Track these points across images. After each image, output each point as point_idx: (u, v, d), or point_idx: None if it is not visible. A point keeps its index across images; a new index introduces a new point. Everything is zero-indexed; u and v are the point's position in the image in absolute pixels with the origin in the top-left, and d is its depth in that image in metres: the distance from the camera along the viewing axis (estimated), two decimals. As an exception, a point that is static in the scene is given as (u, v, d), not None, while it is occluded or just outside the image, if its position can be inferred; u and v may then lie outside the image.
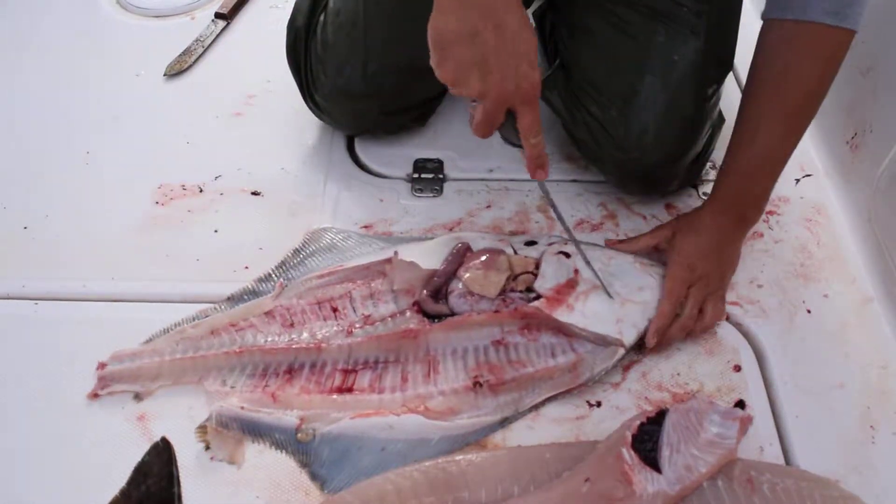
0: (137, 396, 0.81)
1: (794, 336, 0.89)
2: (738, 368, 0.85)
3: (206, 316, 0.86)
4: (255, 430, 0.78)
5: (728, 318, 0.90)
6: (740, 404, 0.81)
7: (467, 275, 0.87)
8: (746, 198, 0.90)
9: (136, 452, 0.75)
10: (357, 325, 0.85)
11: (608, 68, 0.95)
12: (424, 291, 0.86)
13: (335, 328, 0.85)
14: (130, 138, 1.11)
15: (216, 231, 0.98)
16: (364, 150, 1.09)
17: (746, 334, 0.89)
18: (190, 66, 1.21)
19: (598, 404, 0.82)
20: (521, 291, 0.86)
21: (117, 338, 0.85)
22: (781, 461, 0.78)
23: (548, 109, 1.04)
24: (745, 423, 0.76)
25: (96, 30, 1.31)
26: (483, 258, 0.88)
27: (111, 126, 1.13)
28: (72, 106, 1.16)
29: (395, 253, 0.89)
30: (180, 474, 0.75)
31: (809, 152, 1.09)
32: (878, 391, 0.84)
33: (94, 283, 0.92)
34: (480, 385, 0.80)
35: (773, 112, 0.86)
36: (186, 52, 1.24)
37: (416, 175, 1.05)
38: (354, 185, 1.04)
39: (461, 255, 0.89)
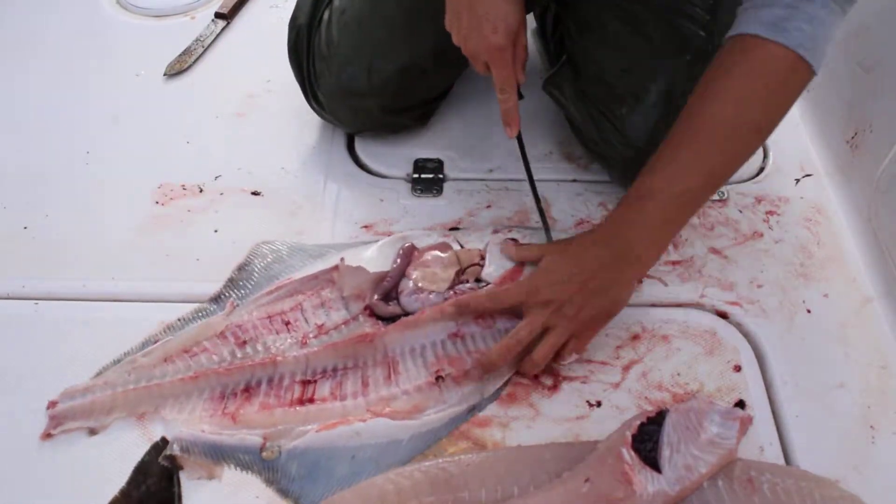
0: (92, 431, 0.78)
1: (794, 336, 0.89)
2: (738, 368, 0.85)
3: (156, 342, 0.84)
4: (218, 453, 0.76)
5: (728, 318, 0.90)
6: (740, 404, 0.81)
7: (416, 273, 0.87)
8: (637, 223, 0.77)
9: (136, 452, 0.76)
10: (311, 336, 0.84)
11: (619, 65, 0.94)
12: (375, 295, 0.86)
13: (289, 341, 0.83)
14: (130, 138, 1.11)
15: (216, 231, 0.98)
16: (364, 150, 1.09)
17: (746, 334, 0.89)
18: (190, 66, 1.21)
19: (598, 404, 0.82)
20: (469, 283, 0.87)
21: (117, 338, 0.85)
22: (781, 461, 0.78)
23: (554, 105, 1.05)
24: (745, 423, 0.76)
25: (96, 30, 1.31)
26: (430, 255, 0.89)
27: (111, 126, 1.13)
28: (72, 106, 1.16)
29: (342, 260, 0.88)
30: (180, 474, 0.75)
31: (809, 152, 1.09)
32: (878, 391, 0.84)
33: (94, 283, 0.92)
34: (442, 378, 0.80)
35: (682, 135, 0.76)
36: (186, 52, 1.24)
37: (416, 175, 1.05)
38: (354, 185, 1.04)
39: (408, 255, 0.89)
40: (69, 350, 0.85)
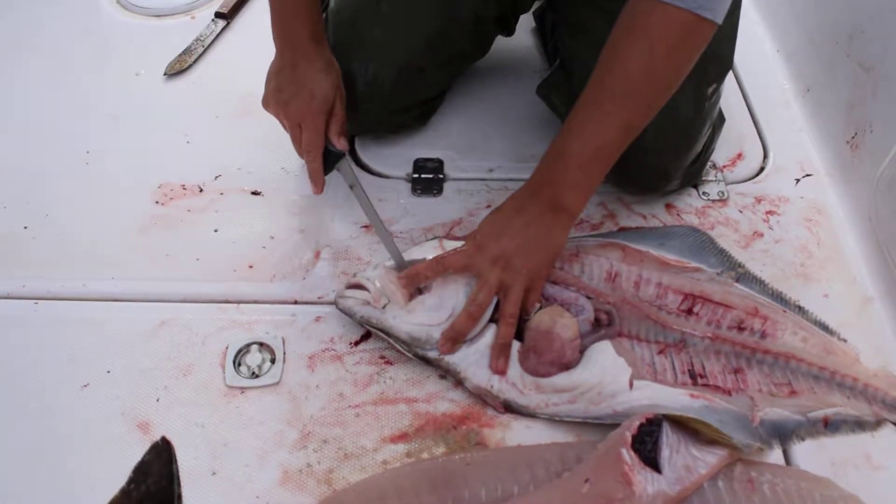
0: None
1: (795, 336, 0.89)
2: (738, 368, 0.85)
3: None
4: None
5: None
6: (740, 404, 0.81)
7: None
8: (560, 181, 0.82)
9: (136, 452, 0.75)
10: None
11: None
12: None
13: None
14: (130, 138, 1.11)
15: (216, 231, 0.98)
16: (364, 150, 1.09)
17: (746, 334, 0.89)
18: (190, 66, 1.21)
19: (598, 404, 0.82)
20: None
21: (117, 338, 0.86)
22: (781, 461, 0.78)
23: (547, 108, 1.04)
24: (745, 423, 0.75)
25: (96, 30, 1.31)
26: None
27: (111, 126, 1.13)
28: (72, 106, 1.16)
29: None
30: (180, 474, 0.75)
31: (809, 152, 1.09)
32: (878, 391, 0.84)
33: (94, 283, 0.92)
34: None
35: (595, 93, 0.79)
36: (186, 51, 1.24)
37: (416, 175, 1.05)
38: (355, 184, 1.04)
39: None
40: (69, 350, 0.85)
